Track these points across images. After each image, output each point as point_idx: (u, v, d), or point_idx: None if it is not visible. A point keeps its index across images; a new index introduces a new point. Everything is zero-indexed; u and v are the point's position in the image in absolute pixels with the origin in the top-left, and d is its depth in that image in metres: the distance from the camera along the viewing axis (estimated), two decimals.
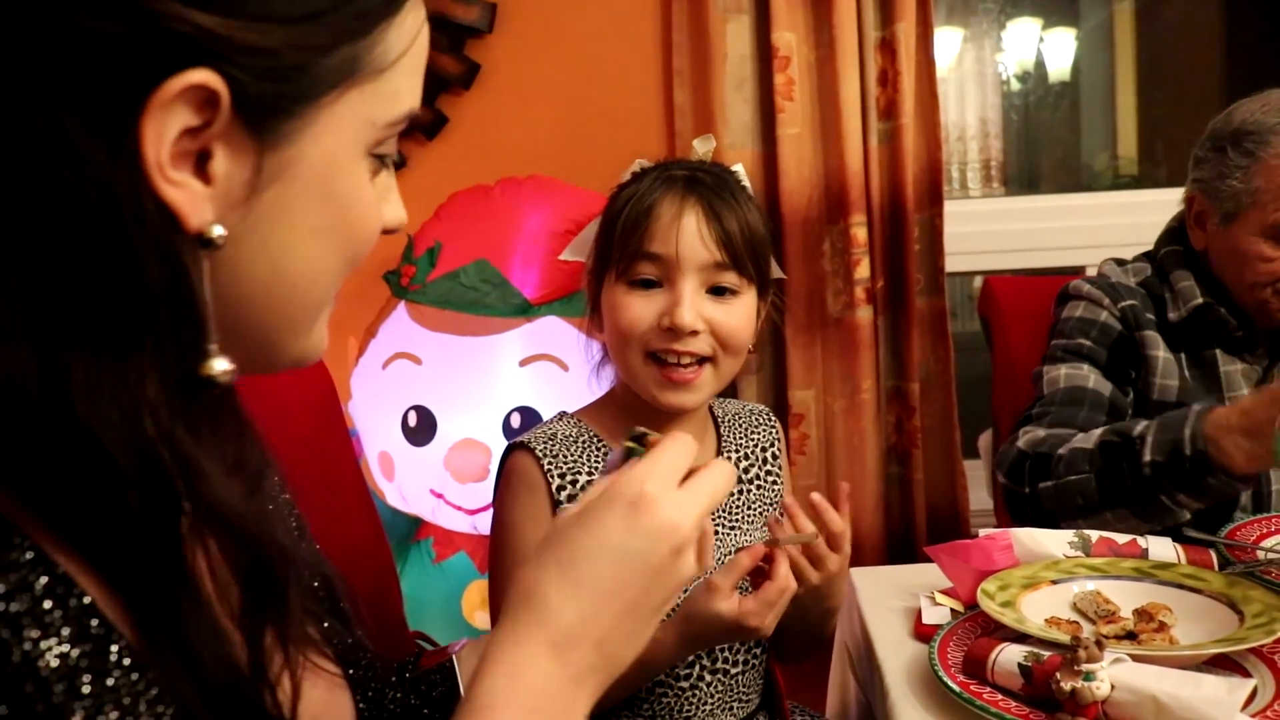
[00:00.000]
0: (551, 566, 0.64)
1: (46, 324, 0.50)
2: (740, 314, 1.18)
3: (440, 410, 1.77)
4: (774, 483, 1.31)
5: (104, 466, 0.51)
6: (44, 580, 0.51)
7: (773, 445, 1.33)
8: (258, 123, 0.53)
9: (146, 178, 0.51)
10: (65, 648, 0.50)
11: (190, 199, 0.52)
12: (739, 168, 1.28)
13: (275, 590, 0.60)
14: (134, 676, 0.52)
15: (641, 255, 1.16)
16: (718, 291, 1.17)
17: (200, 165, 0.53)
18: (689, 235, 1.14)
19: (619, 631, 0.63)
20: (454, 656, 0.88)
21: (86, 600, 0.52)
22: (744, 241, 1.16)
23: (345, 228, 0.59)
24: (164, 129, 0.51)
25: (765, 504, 1.29)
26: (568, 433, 1.21)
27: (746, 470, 1.29)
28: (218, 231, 0.53)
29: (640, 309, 1.16)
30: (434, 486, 1.80)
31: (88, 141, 0.50)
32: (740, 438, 1.31)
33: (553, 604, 0.62)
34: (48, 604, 0.50)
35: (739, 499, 1.27)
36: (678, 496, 0.65)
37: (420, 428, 1.78)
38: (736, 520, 1.26)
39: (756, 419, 1.34)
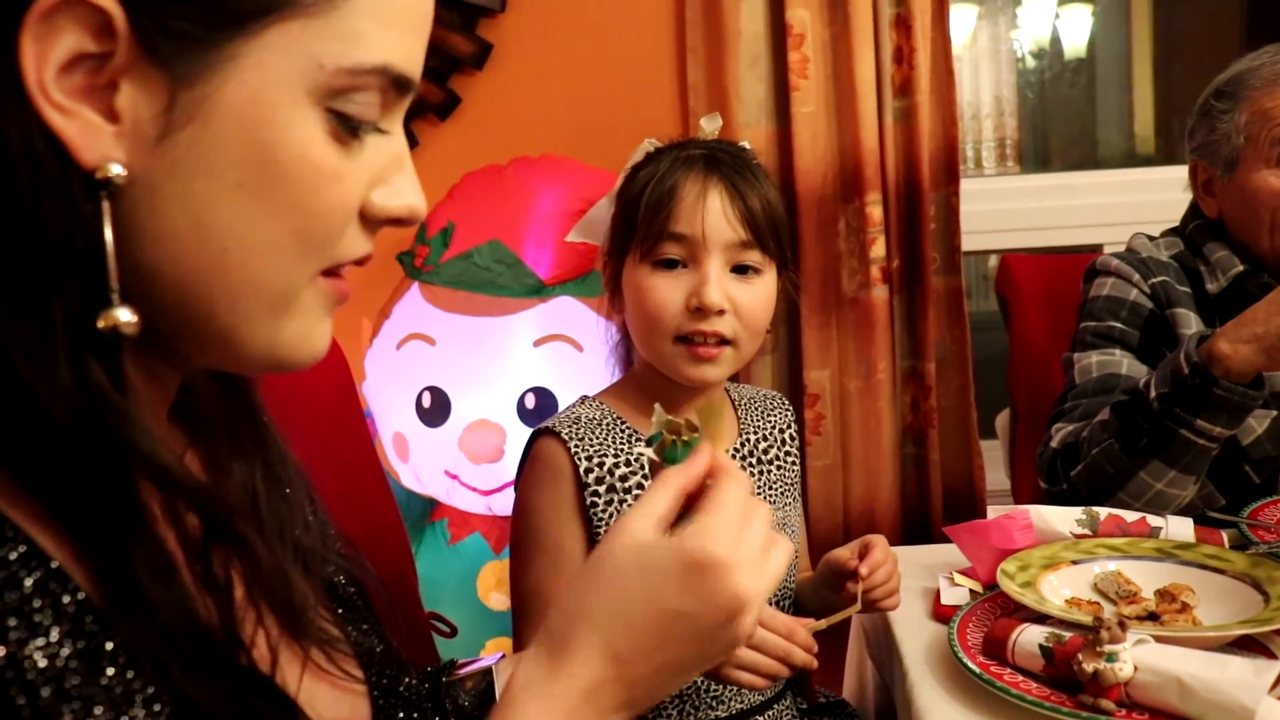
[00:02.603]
0: (595, 611, 0.61)
1: None
2: (762, 294, 1.18)
3: (454, 391, 1.77)
4: (792, 463, 1.31)
5: (36, 414, 0.48)
6: (35, 578, 0.49)
7: (789, 428, 1.33)
8: (167, 54, 0.49)
9: (33, 105, 0.48)
10: (55, 647, 0.48)
11: (84, 132, 0.49)
12: (745, 145, 1.27)
13: (234, 542, 0.58)
14: (129, 675, 0.50)
15: (667, 236, 1.15)
16: (741, 270, 1.17)
17: (110, 103, 0.50)
18: (714, 215, 1.14)
19: (653, 682, 0.61)
20: (494, 667, 0.88)
21: (80, 596, 0.50)
22: (766, 219, 1.17)
23: (281, 189, 0.52)
24: (46, 49, 0.48)
25: (785, 484, 1.29)
26: (591, 416, 1.21)
27: (765, 451, 1.29)
28: (115, 170, 0.49)
29: (667, 291, 1.15)
30: (448, 467, 1.80)
31: None
32: (757, 420, 1.31)
33: (582, 655, 0.60)
34: (37, 603, 0.48)
35: (759, 479, 1.27)
36: (745, 567, 0.61)
37: (434, 409, 1.78)
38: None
39: (771, 403, 1.35)
